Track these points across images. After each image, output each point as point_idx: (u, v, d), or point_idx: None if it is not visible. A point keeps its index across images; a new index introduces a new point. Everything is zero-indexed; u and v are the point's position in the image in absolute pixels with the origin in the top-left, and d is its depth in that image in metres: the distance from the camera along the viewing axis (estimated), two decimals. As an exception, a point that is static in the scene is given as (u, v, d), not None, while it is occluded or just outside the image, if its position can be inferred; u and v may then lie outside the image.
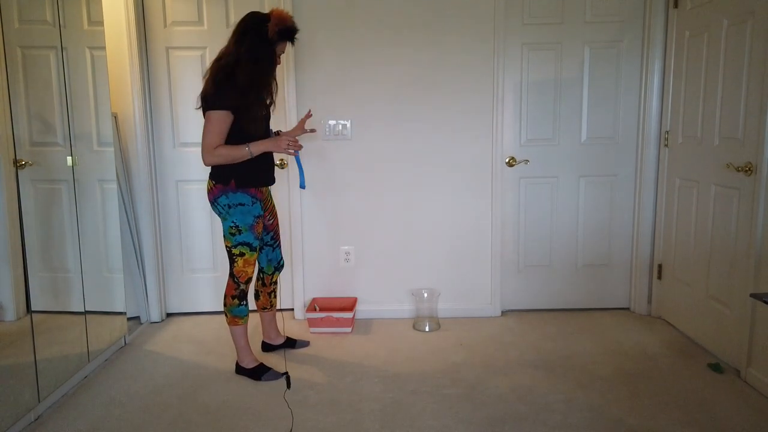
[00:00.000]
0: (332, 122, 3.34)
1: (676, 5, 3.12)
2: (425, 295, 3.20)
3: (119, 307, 3.05)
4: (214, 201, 2.58)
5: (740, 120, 2.57)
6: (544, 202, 3.45)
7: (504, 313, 3.51)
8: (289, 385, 2.56)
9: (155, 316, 3.46)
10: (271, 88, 2.55)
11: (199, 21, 3.32)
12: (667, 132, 3.24)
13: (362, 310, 3.49)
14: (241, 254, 2.57)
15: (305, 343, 3.07)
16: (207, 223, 3.51)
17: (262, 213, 2.61)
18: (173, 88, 3.37)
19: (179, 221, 3.49)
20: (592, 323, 3.31)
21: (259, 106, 2.53)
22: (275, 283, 2.91)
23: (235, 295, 2.61)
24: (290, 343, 3.04)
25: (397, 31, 3.27)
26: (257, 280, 2.90)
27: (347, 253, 3.46)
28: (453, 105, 3.32)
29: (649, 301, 3.44)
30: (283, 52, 2.60)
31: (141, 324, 3.40)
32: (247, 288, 2.64)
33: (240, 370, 2.72)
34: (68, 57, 2.59)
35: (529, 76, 3.34)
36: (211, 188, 2.59)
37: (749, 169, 2.50)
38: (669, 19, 3.17)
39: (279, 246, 2.86)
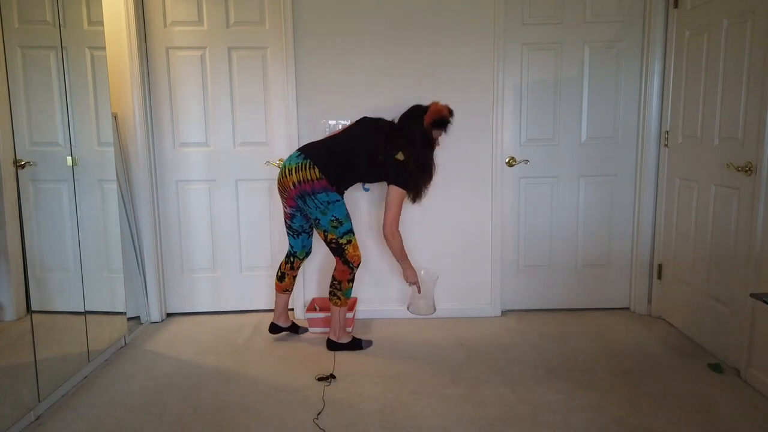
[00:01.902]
0: (332, 122, 3.34)
1: (676, 5, 3.12)
2: (422, 273, 3.07)
3: (119, 307, 3.05)
4: (311, 193, 2.74)
5: (740, 120, 2.57)
6: (544, 202, 3.45)
7: (504, 313, 3.51)
8: (322, 378, 2.68)
9: (155, 316, 3.46)
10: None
11: (199, 21, 3.32)
12: (667, 132, 3.24)
13: (362, 310, 3.49)
14: (349, 241, 2.85)
15: (305, 330, 3.24)
16: (207, 223, 3.51)
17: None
18: (173, 88, 3.37)
19: (179, 221, 3.49)
20: (592, 323, 3.31)
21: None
22: (299, 269, 3.12)
23: (350, 278, 2.90)
24: (294, 328, 3.20)
25: (397, 31, 3.27)
26: (286, 263, 3.07)
27: (347, 253, 3.45)
28: (453, 105, 3.29)
29: (649, 301, 3.44)
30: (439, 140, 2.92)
31: (141, 324, 3.40)
32: (357, 270, 2.93)
33: (337, 346, 2.98)
34: (68, 57, 2.59)
35: (529, 76, 3.34)
36: (314, 179, 2.73)
37: (749, 169, 2.50)
38: (669, 19, 3.17)
39: (312, 236, 3.08)
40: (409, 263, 2.98)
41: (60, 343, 2.53)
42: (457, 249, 3.44)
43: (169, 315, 3.56)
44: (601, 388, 2.50)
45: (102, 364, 2.85)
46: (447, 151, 3.36)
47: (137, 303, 3.38)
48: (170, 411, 2.38)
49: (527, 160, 3.40)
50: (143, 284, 3.41)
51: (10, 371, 2.21)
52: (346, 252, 2.85)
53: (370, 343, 3.05)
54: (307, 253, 3.09)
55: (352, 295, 3.44)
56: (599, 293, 3.53)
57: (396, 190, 2.83)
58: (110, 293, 2.97)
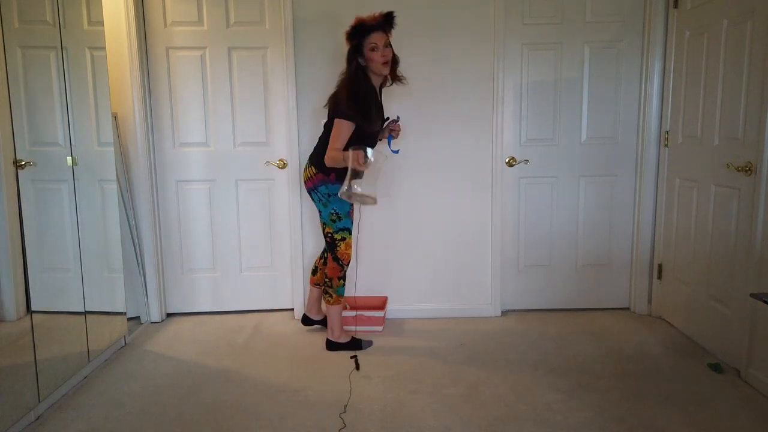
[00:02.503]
0: (332, 122, 3.33)
1: (676, 5, 3.12)
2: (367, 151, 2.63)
3: (119, 307, 3.05)
4: (314, 188, 2.80)
5: (740, 120, 2.57)
6: (544, 202, 3.45)
7: (504, 313, 3.51)
8: (357, 367, 2.76)
9: (155, 316, 3.46)
10: (370, 95, 2.70)
11: (199, 21, 3.32)
12: (667, 132, 3.24)
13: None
14: (343, 238, 2.85)
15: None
16: (207, 223, 3.51)
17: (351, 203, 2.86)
18: (173, 88, 3.37)
19: (179, 221, 3.49)
20: (592, 323, 3.31)
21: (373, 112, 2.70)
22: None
23: (341, 276, 2.91)
24: (325, 322, 3.19)
25: (397, 31, 3.25)
26: (320, 258, 3.14)
27: (347, 253, 3.45)
28: (453, 105, 3.32)
29: (649, 301, 3.44)
30: (381, 45, 2.66)
31: (141, 324, 3.40)
32: (347, 270, 2.93)
33: (335, 346, 2.98)
34: (68, 57, 2.59)
35: (529, 76, 3.34)
36: (312, 176, 2.80)
37: (749, 169, 2.50)
38: (669, 19, 3.17)
39: None
40: (347, 154, 2.60)
41: (60, 343, 2.53)
42: (457, 249, 3.44)
43: (169, 315, 3.56)
44: (601, 388, 2.50)
45: (102, 364, 2.85)
46: (447, 151, 3.36)
47: (137, 303, 3.38)
48: (170, 411, 2.38)
49: (527, 160, 3.40)
50: (143, 284, 3.41)
51: (10, 371, 2.21)
52: (338, 248, 2.86)
53: (370, 343, 3.05)
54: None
55: (381, 294, 3.46)
56: (599, 293, 3.53)
57: (336, 123, 2.64)
58: (110, 293, 2.97)
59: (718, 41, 2.73)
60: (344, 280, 2.94)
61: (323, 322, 3.23)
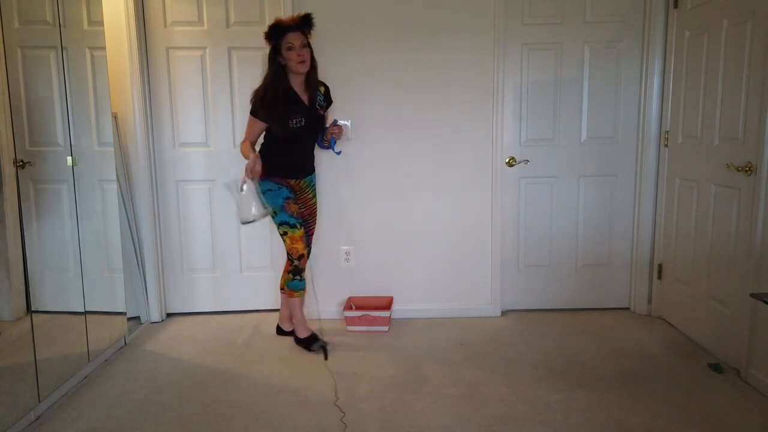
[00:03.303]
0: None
1: (676, 5, 3.12)
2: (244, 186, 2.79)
3: (119, 307, 3.05)
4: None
5: (740, 120, 2.57)
6: (544, 202, 3.45)
7: (504, 313, 3.51)
8: (326, 356, 2.81)
9: (155, 316, 3.46)
10: (278, 94, 2.76)
11: (199, 21, 3.32)
12: (667, 132, 3.24)
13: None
14: (285, 233, 2.88)
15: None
16: (207, 223, 3.51)
17: (289, 195, 2.89)
18: (173, 88, 3.37)
19: (179, 221, 3.49)
20: (592, 323, 3.31)
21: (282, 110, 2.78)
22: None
23: (290, 270, 2.93)
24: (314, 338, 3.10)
25: (397, 31, 3.27)
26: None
27: (347, 253, 3.46)
28: (453, 104, 3.32)
29: (649, 301, 3.44)
30: (297, 45, 2.73)
31: (141, 324, 3.40)
32: (301, 264, 2.92)
33: (297, 340, 3.02)
34: (68, 57, 2.59)
35: (529, 76, 3.34)
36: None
37: (749, 169, 2.50)
38: (669, 19, 3.17)
39: (307, 234, 3.05)
40: (250, 154, 2.79)
41: (60, 343, 2.53)
42: (457, 249, 3.44)
43: (169, 315, 3.56)
44: (601, 388, 2.50)
45: (102, 364, 2.85)
46: (447, 151, 3.36)
47: (137, 303, 3.38)
48: (170, 411, 2.38)
49: (527, 160, 3.40)
50: (143, 284, 3.41)
51: (10, 371, 2.21)
52: (285, 243, 2.91)
53: (322, 347, 2.95)
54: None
55: (383, 294, 3.43)
56: (599, 293, 3.53)
57: (249, 117, 2.86)
58: (110, 293, 2.98)
59: (718, 41, 2.73)
60: (295, 275, 2.93)
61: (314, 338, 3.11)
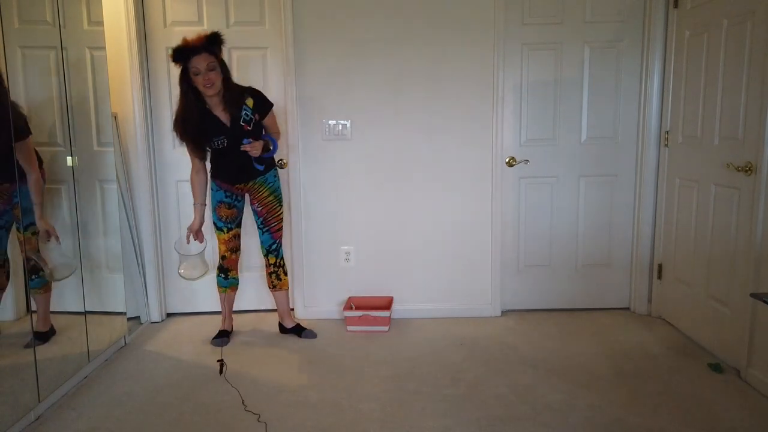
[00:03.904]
0: (332, 122, 3.34)
1: (676, 5, 3.12)
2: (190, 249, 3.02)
3: (119, 307, 3.05)
4: None
5: (740, 120, 2.57)
6: (544, 202, 3.45)
7: (504, 313, 3.51)
8: (221, 371, 2.74)
9: (155, 316, 3.46)
10: (192, 116, 2.75)
11: (199, 21, 3.32)
12: (667, 132, 3.24)
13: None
14: (215, 233, 3.04)
15: (312, 334, 3.18)
16: (207, 223, 3.50)
17: (223, 199, 2.97)
18: (173, 88, 3.36)
19: (179, 221, 3.49)
20: (592, 323, 3.31)
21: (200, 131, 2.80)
22: (273, 265, 3.11)
23: (218, 266, 3.09)
24: (298, 330, 3.20)
25: (397, 31, 3.27)
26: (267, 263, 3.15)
27: (347, 253, 3.46)
28: (453, 105, 3.32)
29: (649, 301, 3.44)
30: (203, 69, 2.65)
31: (141, 324, 3.40)
32: (224, 263, 3.06)
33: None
34: (68, 57, 2.59)
35: (529, 76, 3.34)
36: None
37: (749, 168, 2.50)
38: (669, 19, 3.17)
39: (269, 231, 3.06)
40: (196, 214, 2.97)
41: (60, 343, 2.53)
42: (457, 249, 3.44)
43: (169, 315, 3.56)
44: (601, 388, 2.50)
45: (102, 364, 2.85)
46: (447, 151, 3.36)
47: (137, 303, 3.38)
48: (170, 411, 2.38)
49: (527, 160, 3.40)
50: (143, 284, 3.41)
51: (10, 371, 2.21)
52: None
53: (219, 343, 3.06)
54: (268, 251, 3.09)
55: (384, 294, 3.44)
56: (599, 293, 3.53)
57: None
58: (110, 293, 2.97)
59: (718, 41, 2.73)
60: (219, 272, 3.07)
61: (295, 330, 3.19)
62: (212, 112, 2.80)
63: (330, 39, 3.27)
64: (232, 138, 2.81)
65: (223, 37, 2.70)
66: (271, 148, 2.97)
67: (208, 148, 2.88)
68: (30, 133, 2.30)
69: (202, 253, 3.00)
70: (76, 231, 2.64)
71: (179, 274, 3.01)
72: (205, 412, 2.37)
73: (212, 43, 2.66)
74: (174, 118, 2.83)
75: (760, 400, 2.38)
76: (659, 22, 3.18)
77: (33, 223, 2.35)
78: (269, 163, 3.02)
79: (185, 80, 2.71)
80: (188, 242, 2.98)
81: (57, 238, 2.56)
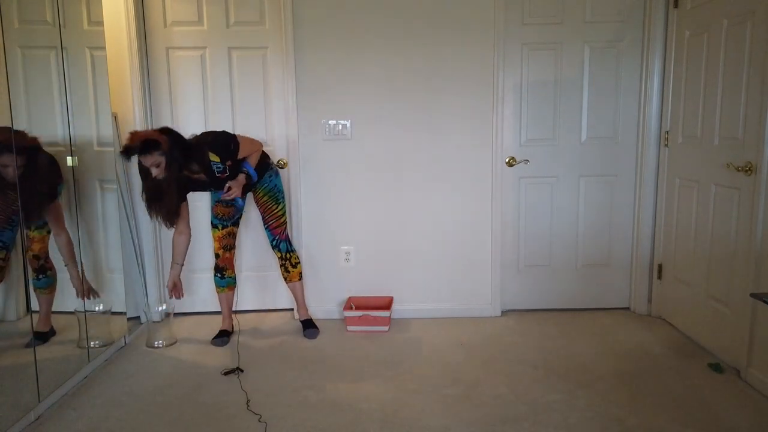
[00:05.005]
0: (332, 122, 3.34)
1: (676, 5, 3.12)
2: (159, 309, 3.29)
3: (119, 307, 3.05)
4: None
5: (740, 120, 2.57)
6: (544, 202, 3.45)
7: (504, 313, 3.51)
8: (228, 372, 2.74)
9: (155, 316, 3.45)
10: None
11: (199, 21, 3.32)
12: (667, 132, 3.24)
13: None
14: (211, 231, 3.13)
15: (312, 334, 3.20)
16: (207, 224, 3.50)
17: (218, 199, 3.03)
18: (173, 88, 3.37)
19: (179, 221, 3.49)
20: (592, 323, 3.31)
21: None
22: (281, 258, 3.18)
23: (214, 266, 3.16)
24: (304, 324, 3.26)
25: (398, 31, 3.27)
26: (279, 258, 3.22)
27: (347, 253, 3.46)
28: (453, 105, 3.32)
29: (649, 301, 3.44)
30: (149, 164, 2.62)
31: (141, 324, 3.40)
32: (218, 262, 3.13)
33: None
34: (68, 57, 2.59)
35: (529, 76, 3.34)
36: None
37: (749, 168, 2.50)
38: (669, 19, 3.17)
39: (268, 229, 3.15)
40: (172, 274, 3.01)
41: (60, 343, 2.53)
42: (457, 249, 3.44)
43: (168, 315, 3.55)
44: (601, 388, 2.50)
45: (102, 364, 2.85)
46: (447, 151, 3.36)
47: (137, 303, 3.38)
48: (170, 411, 2.38)
49: (527, 160, 3.40)
50: (143, 284, 3.41)
51: (10, 371, 2.21)
52: None
53: (219, 343, 3.10)
54: (273, 246, 3.17)
55: (384, 294, 3.49)
56: (599, 293, 3.53)
57: None
58: (110, 293, 2.97)
59: (718, 41, 2.73)
60: (215, 272, 3.14)
61: (303, 323, 3.26)
62: (190, 177, 2.84)
63: (330, 39, 3.27)
64: (216, 185, 2.93)
65: (157, 142, 2.60)
66: (252, 175, 2.96)
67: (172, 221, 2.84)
68: (60, 194, 2.49)
69: (169, 317, 3.20)
70: (75, 231, 2.64)
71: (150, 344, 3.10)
72: (205, 411, 2.37)
73: (147, 149, 2.58)
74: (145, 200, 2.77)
75: (760, 400, 2.38)
76: (659, 22, 3.18)
77: (46, 223, 2.46)
78: (260, 173, 3.04)
79: (141, 168, 2.68)
80: (170, 296, 3.03)
81: (96, 294, 2.78)
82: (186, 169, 2.76)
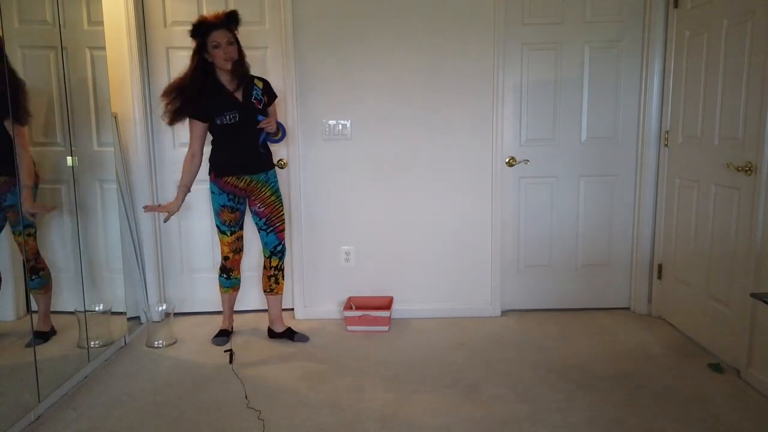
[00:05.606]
0: (332, 122, 3.34)
1: (676, 5, 3.12)
2: (159, 309, 3.31)
3: (119, 307, 3.05)
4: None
5: (740, 120, 2.57)
6: (544, 202, 3.45)
7: (504, 313, 3.51)
8: (231, 361, 2.84)
9: (155, 315, 3.45)
10: (204, 85, 2.76)
11: (199, 21, 3.32)
12: (667, 132, 3.24)
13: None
14: (218, 235, 3.02)
15: (304, 338, 3.13)
16: (207, 223, 3.51)
17: (226, 203, 2.93)
18: (173, 88, 3.37)
19: (179, 221, 3.49)
20: (592, 323, 3.31)
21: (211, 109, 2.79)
22: (275, 267, 3.06)
23: (220, 267, 3.09)
24: (289, 334, 3.14)
25: (398, 31, 3.27)
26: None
27: (347, 253, 3.46)
28: (453, 104, 3.32)
29: (649, 301, 3.44)
30: (224, 43, 2.71)
31: (141, 324, 3.40)
32: (226, 264, 3.05)
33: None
34: (68, 57, 2.59)
35: (529, 76, 3.34)
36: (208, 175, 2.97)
37: (749, 168, 2.50)
38: (669, 19, 3.17)
39: (273, 232, 3.02)
40: (179, 197, 2.88)
41: (60, 343, 2.53)
42: (458, 249, 3.44)
43: (168, 315, 3.55)
44: (601, 388, 2.50)
45: (102, 364, 2.85)
46: (447, 151, 3.36)
47: (137, 303, 3.38)
48: (170, 411, 2.38)
49: (527, 160, 3.40)
50: (143, 284, 3.41)
51: (10, 371, 2.21)
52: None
53: (219, 342, 3.09)
54: (273, 252, 3.05)
55: (384, 294, 3.44)
56: (599, 293, 3.53)
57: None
58: (110, 293, 2.97)
59: (718, 41, 2.73)
60: (221, 273, 3.09)
61: (287, 335, 3.14)
62: (226, 87, 2.81)
63: (330, 39, 3.27)
64: (244, 113, 2.81)
65: (240, 17, 2.77)
66: (282, 128, 3.00)
67: (218, 121, 2.78)
68: (31, 116, 2.31)
69: (169, 318, 3.21)
70: (76, 231, 2.64)
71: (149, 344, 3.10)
72: (205, 411, 2.37)
73: (231, 20, 2.73)
74: (168, 86, 2.77)
75: (760, 400, 2.38)
76: (659, 22, 3.18)
77: (29, 225, 2.35)
78: (269, 159, 3.00)
79: (200, 55, 2.74)
80: (165, 221, 2.92)
81: (48, 210, 2.55)
82: (239, 71, 2.77)
